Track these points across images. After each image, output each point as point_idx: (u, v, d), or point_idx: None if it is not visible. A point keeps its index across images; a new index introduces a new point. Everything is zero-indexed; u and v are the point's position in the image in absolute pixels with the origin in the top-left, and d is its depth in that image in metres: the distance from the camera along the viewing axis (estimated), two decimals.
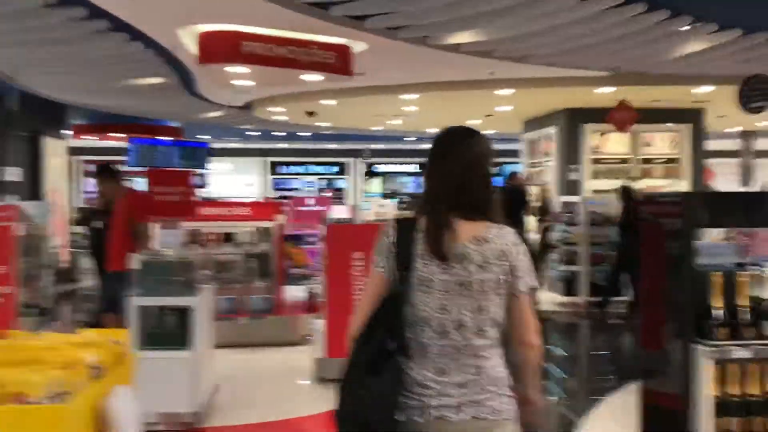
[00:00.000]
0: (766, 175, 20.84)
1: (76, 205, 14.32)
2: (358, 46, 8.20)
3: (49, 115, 13.09)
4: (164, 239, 5.35)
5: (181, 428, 4.87)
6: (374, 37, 7.64)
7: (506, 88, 10.89)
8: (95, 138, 17.26)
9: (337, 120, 16.05)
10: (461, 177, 2.12)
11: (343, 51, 7.95)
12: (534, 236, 11.02)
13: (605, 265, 10.12)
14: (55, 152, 13.39)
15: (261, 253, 7.83)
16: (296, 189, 25.79)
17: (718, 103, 12.36)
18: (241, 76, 8.50)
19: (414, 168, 26.35)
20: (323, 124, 16.88)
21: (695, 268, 3.35)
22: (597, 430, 5.35)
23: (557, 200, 12.02)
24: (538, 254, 10.04)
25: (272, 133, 20.09)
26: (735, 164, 19.77)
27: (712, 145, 14.11)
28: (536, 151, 15.23)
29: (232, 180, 24.84)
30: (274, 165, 25.91)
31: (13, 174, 11.45)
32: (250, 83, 9.17)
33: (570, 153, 13.34)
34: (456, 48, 8.26)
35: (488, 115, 14.45)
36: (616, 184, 13.19)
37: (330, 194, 22.86)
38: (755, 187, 17.73)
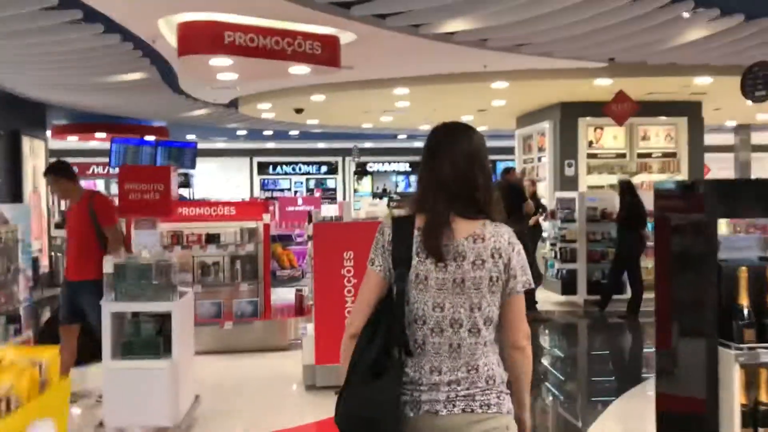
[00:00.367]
0: (762, 169, 20.68)
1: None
2: (346, 37, 7.87)
3: (28, 115, 12.70)
4: (140, 240, 4.97)
5: None
6: (362, 26, 7.32)
7: (500, 80, 10.62)
8: (77, 138, 16.85)
9: (326, 117, 15.76)
10: (458, 173, 2.09)
11: (330, 41, 7.62)
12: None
13: (604, 263, 9.92)
14: (34, 153, 13.06)
15: (247, 254, 7.50)
16: (286, 189, 25.53)
17: (716, 95, 12.13)
18: (223, 68, 8.14)
19: (405, 166, 26.11)
20: (312, 122, 16.56)
21: (719, 263, 3.03)
22: None
23: (554, 196, 11.74)
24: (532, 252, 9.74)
25: (260, 132, 19.74)
26: (730, 159, 19.59)
27: (707, 139, 13.90)
28: (530, 147, 14.97)
29: (219, 180, 24.51)
30: (262, 165, 25.62)
31: None
32: (234, 76, 8.81)
33: (565, 148, 13.11)
34: (448, 38, 7.95)
35: (481, 110, 14.19)
36: (612, 179, 12.99)
37: (320, 194, 22.57)
38: None
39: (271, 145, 24.10)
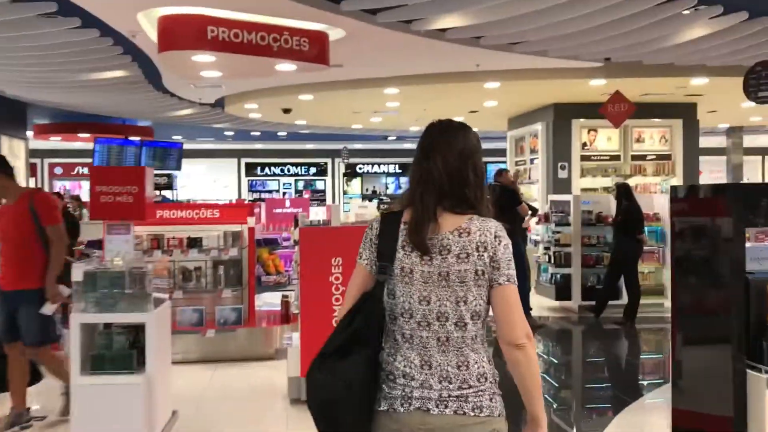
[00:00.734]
0: (754, 172, 20.57)
1: None
2: (335, 34, 7.57)
3: (7, 114, 12.31)
4: (113, 246, 4.63)
5: None
6: (352, 21, 7.03)
7: (493, 80, 10.35)
8: (60, 138, 16.44)
9: (315, 117, 15.47)
10: (450, 170, 2.09)
11: (318, 37, 7.32)
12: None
13: (599, 267, 9.68)
14: (14, 153, 12.70)
15: (230, 259, 7.17)
16: (274, 191, 25.19)
17: (712, 96, 11.94)
18: (207, 65, 7.81)
19: (395, 168, 25.84)
20: (300, 122, 16.25)
21: (746, 276, 2.74)
22: None
23: (547, 199, 11.49)
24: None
25: (248, 132, 19.40)
26: (721, 162, 19.47)
27: (699, 142, 13.72)
28: (522, 149, 14.74)
29: (207, 181, 24.14)
30: (250, 166, 25.28)
31: None
32: (218, 74, 8.48)
33: (558, 150, 12.87)
34: (441, 35, 7.67)
35: (473, 112, 13.94)
36: (606, 181, 12.77)
37: (308, 195, 22.22)
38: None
39: (259, 146, 23.79)
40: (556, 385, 6.70)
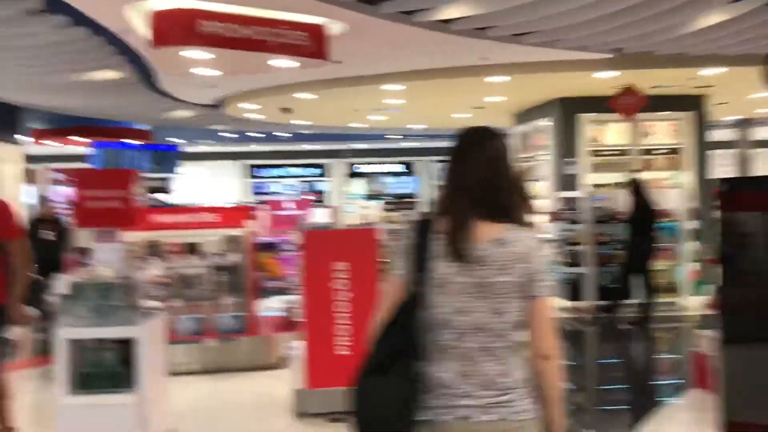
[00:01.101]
0: (764, 165, 20.21)
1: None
2: (335, 27, 7.26)
3: (1, 119, 12.05)
4: (100, 255, 4.32)
5: None
6: (352, 14, 6.71)
7: (499, 74, 10.05)
8: (57, 143, 16.17)
9: (316, 117, 15.18)
10: (482, 178, 2.09)
11: (317, 31, 7.00)
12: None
13: (613, 266, 9.34)
14: (9, 158, 12.46)
15: (230, 265, 6.88)
16: (276, 192, 24.87)
17: (725, 88, 11.60)
18: (202, 63, 7.50)
19: (399, 168, 25.53)
20: (301, 123, 15.96)
21: None
22: None
23: (554, 196, 11.19)
24: None
25: (248, 134, 19.14)
26: (728, 156, 19.11)
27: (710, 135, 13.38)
28: (528, 145, 14.41)
29: (208, 185, 23.85)
30: (252, 168, 24.99)
31: None
32: (213, 72, 8.17)
33: (566, 145, 12.54)
34: (445, 27, 7.35)
35: (477, 108, 13.62)
36: (615, 177, 12.43)
37: (311, 197, 21.92)
38: None
39: (260, 147, 23.51)
40: (569, 386, 6.40)
